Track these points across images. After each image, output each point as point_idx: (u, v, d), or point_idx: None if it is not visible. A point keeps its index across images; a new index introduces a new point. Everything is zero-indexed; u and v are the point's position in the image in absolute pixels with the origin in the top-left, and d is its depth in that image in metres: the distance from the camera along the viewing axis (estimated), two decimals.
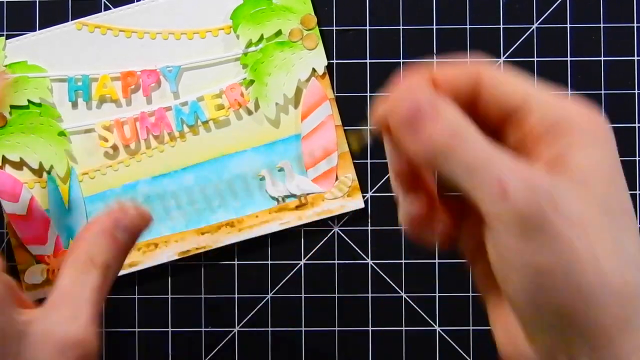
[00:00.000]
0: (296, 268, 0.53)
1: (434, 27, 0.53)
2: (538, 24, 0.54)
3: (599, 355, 0.32)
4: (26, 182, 0.51)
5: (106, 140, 0.50)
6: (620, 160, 0.48)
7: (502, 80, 0.36)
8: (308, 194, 0.51)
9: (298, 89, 0.51)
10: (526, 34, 0.54)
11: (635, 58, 0.54)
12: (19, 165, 0.50)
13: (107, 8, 0.52)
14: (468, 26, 0.54)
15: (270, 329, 0.53)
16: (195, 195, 0.51)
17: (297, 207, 0.51)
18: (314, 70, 0.50)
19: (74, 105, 0.50)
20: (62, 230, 0.51)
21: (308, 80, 0.50)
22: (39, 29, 0.51)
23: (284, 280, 0.53)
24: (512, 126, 0.35)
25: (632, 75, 0.53)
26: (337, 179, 0.51)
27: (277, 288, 0.53)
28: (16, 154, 0.50)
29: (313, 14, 0.50)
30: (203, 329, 0.53)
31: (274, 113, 0.50)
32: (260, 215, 0.51)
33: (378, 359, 0.53)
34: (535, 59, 0.54)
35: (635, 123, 0.53)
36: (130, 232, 0.39)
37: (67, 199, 0.51)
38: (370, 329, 0.53)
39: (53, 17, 0.52)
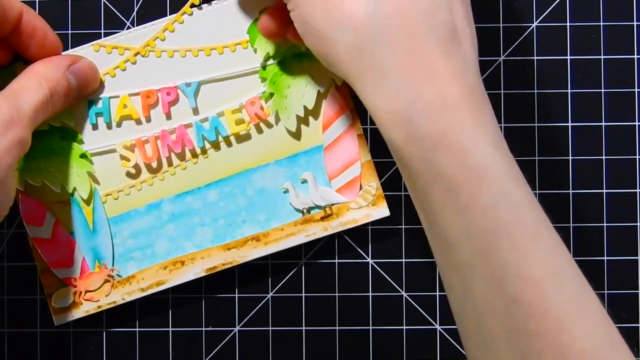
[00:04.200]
0: (297, 267, 0.53)
1: None
2: (538, 23, 0.54)
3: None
4: (49, 205, 0.51)
5: (128, 160, 0.51)
6: (620, 158, 0.53)
7: None
8: (333, 205, 0.52)
9: (318, 100, 0.51)
10: (526, 33, 0.54)
11: (635, 56, 0.54)
12: (42, 189, 0.51)
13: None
14: None
15: (270, 328, 0.54)
16: (219, 211, 0.52)
17: (323, 219, 0.52)
18: (333, 81, 0.51)
19: (95, 126, 0.51)
20: (87, 252, 0.51)
21: (327, 91, 0.51)
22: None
23: (284, 280, 0.54)
24: None
25: (631, 74, 0.54)
26: (361, 188, 0.51)
27: (277, 287, 0.54)
28: (39, 178, 0.50)
29: None
30: (203, 329, 0.54)
31: (295, 125, 0.51)
32: (285, 228, 0.51)
33: (379, 358, 0.53)
34: (535, 58, 0.54)
35: (635, 122, 0.54)
36: (79, 78, 0.48)
37: (92, 221, 0.51)
38: (370, 328, 0.53)
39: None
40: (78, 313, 0.51)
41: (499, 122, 0.52)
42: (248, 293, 0.53)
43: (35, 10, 0.52)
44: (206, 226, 0.51)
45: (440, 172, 0.38)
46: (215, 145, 0.51)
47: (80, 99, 0.49)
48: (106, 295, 0.51)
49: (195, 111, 0.50)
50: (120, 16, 0.54)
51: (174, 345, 0.53)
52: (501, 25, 0.54)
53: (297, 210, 0.51)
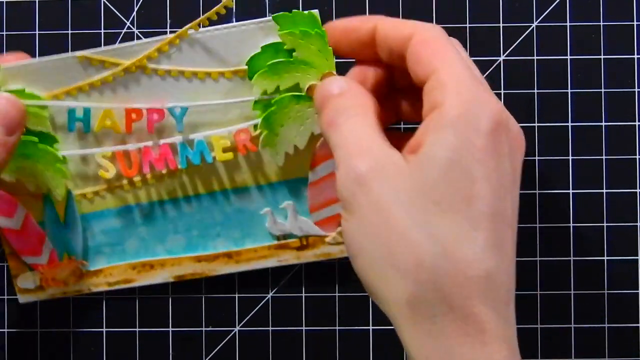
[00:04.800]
0: (297, 267, 0.54)
1: None
2: (538, 22, 0.53)
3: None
4: (21, 199, 0.50)
5: (107, 170, 0.49)
6: (620, 158, 0.54)
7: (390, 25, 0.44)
8: (310, 236, 0.51)
9: (310, 141, 0.49)
10: (526, 32, 0.53)
11: (635, 56, 0.54)
12: (15, 185, 0.49)
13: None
14: (468, 25, 0.53)
15: (270, 328, 0.54)
16: (195, 222, 0.51)
17: (298, 248, 0.51)
18: None
19: (74, 133, 0.49)
20: (57, 245, 0.51)
21: (321, 134, 0.48)
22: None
23: (284, 280, 0.54)
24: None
25: (632, 74, 0.54)
26: (340, 225, 0.50)
27: (277, 287, 0.54)
28: (12, 176, 0.49)
29: (335, 71, 0.47)
30: (203, 329, 0.54)
31: (282, 161, 0.50)
32: (259, 250, 0.52)
33: (379, 358, 0.54)
34: (535, 58, 0.54)
35: (635, 121, 0.54)
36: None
37: (63, 215, 0.51)
38: (371, 328, 0.54)
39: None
40: (44, 295, 0.51)
41: None
42: (248, 293, 0.53)
43: (35, 10, 0.51)
44: (179, 234, 0.51)
45: None
46: (199, 167, 0.49)
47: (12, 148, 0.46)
48: (72, 284, 0.51)
49: (182, 134, 0.48)
50: (121, 16, 0.52)
51: (174, 345, 0.54)
52: (501, 25, 0.53)
53: (273, 236, 0.51)
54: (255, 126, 0.48)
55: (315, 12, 0.46)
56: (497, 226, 0.38)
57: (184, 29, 0.47)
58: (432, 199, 0.37)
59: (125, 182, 0.50)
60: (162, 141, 0.49)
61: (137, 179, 0.50)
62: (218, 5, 0.46)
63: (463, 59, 0.41)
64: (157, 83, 0.48)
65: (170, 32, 0.51)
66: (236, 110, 0.48)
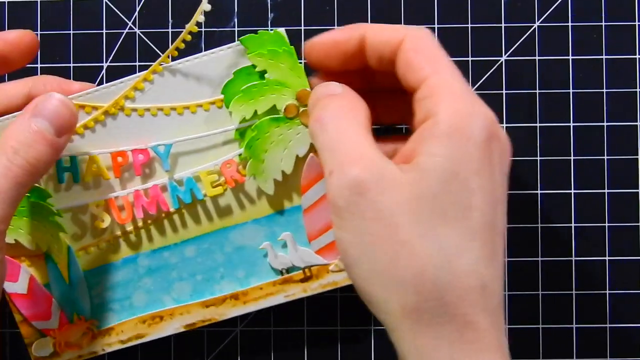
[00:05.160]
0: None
1: (436, 26, 0.53)
2: (540, 23, 0.54)
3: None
4: (23, 259, 0.50)
5: (102, 220, 0.49)
6: (622, 158, 0.53)
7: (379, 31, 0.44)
8: (312, 266, 0.50)
9: (297, 165, 0.49)
10: (528, 33, 0.54)
11: (637, 56, 0.54)
12: (15, 247, 0.49)
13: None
14: (469, 25, 0.54)
15: (272, 328, 0.54)
16: (197, 266, 0.51)
17: (302, 280, 0.50)
18: (312, 145, 0.48)
19: (64, 185, 0.49)
20: (65, 306, 0.51)
21: (307, 154, 0.48)
22: None
23: None
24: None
25: (633, 74, 0.54)
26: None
27: None
28: (10, 237, 0.49)
29: (309, 88, 0.47)
30: (205, 329, 0.54)
31: (272, 189, 0.49)
32: (264, 288, 0.51)
33: (380, 357, 0.54)
34: (537, 58, 0.54)
35: (636, 122, 0.54)
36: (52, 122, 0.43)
37: (67, 276, 0.50)
38: (372, 328, 0.54)
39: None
40: None
41: (501, 122, 0.52)
42: None
43: (37, 11, 0.52)
44: (184, 281, 0.50)
45: None
46: (191, 206, 0.49)
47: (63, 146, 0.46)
48: (86, 347, 0.51)
49: (169, 173, 0.48)
50: (122, 17, 0.53)
51: (176, 344, 0.54)
52: (503, 25, 0.53)
53: (276, 270, 0.50)
54: (240, 155, 0.48)
55: (281, 30, 0.47)
56: (491, 236, 0.38)
57: (155, 63, 0.47)
58: (434, 210, 0.37)
59: (121, 231, 0.50)
60: (151, 183, 0.49)
61: (131, 227, 0.50)
62: (183, 33, 0.46)
63: (453, 66, 0.41)
64: (138, 123, 0.48)
65: (173, 30, 0.53)
66: (219, 142, 0.48)
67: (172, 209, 0.49)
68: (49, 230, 0.49)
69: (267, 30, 0.47)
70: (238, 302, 0.50)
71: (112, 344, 0.51)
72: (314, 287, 0.50)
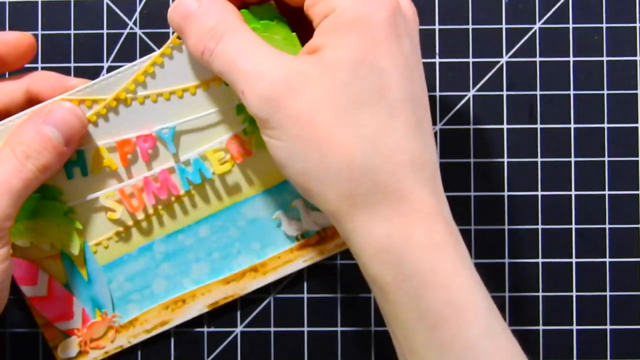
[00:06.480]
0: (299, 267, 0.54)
1: (436, 27, 0.54)
2: (540, 24, 0.54)
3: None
4: (40, 262, 0.50)
5: (114, 211, 0.50)
6: (623, 160, 0.54)
7: None
8: (326, 228, 0.51)
9: None
10: (528, 34, 0.54)
11: (638, 58, 0.54)
12: (30, 249, 0.50)
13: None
14: (470, 26, 0.54)
15: (272, 329, 0.54)
16: (213, 245, 0.51)
17: (318, 242, 0.51)
18: None
19: (73, 180, 0.49)
20: (86, 303, 0.51)
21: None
22: None
23: (286, 281, 0.54)
24: None
25: (634, 76, 0.54)
26: None
27: (279, 288, 0.54)
28: (26, 239, 0.49)
29: None
30: (205, 329, 0.54)
31: None
32: (282, 256, 0.51)
33: (380, 358, 0.54)
34: (538, 59, 0.54)
35: (637, 123, 0.54)
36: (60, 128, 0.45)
37: (85, 272, 0.51)
38: (372, 329, 0.54)
39: None
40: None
41: (502, 124, 0.53)
42: (250, 294, 0.53)
43: (38, 11, 0.52)
44: (201, 261, 0.51)
45: (428, 308, 0.39)
46: (201, 186, 0.50)
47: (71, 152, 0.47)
48: (112, 341, 0.51)
49: (175, 156, 0.49)
50: (123, 17, 0.53)
51: (176, 345, 0.54)
52: (504, 26, 0.54)
53: (291, 237, 0.51)
54: (244, 130, 0.49)
55: (271, 2, 0.47)
56: (412, 108, 0.40)
57: (152, 60, 0.47)
58: (349, 99, 0.39)
59: (134, 220, 0.50)
60: (159, 168, 0.49)
61: (143, 215, 0.50)
62: (168, 42, 0.47)
63: None
64: (140, 110, 0.48)
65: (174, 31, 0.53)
66: (223, 119, 0.49)
67: (182, 192, 0.49)
68: (63, 229, 0.49)
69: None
70: (258, 274, 0.51)
71: (137, 334, 0.51)
72: (330, 248, 0.51)
